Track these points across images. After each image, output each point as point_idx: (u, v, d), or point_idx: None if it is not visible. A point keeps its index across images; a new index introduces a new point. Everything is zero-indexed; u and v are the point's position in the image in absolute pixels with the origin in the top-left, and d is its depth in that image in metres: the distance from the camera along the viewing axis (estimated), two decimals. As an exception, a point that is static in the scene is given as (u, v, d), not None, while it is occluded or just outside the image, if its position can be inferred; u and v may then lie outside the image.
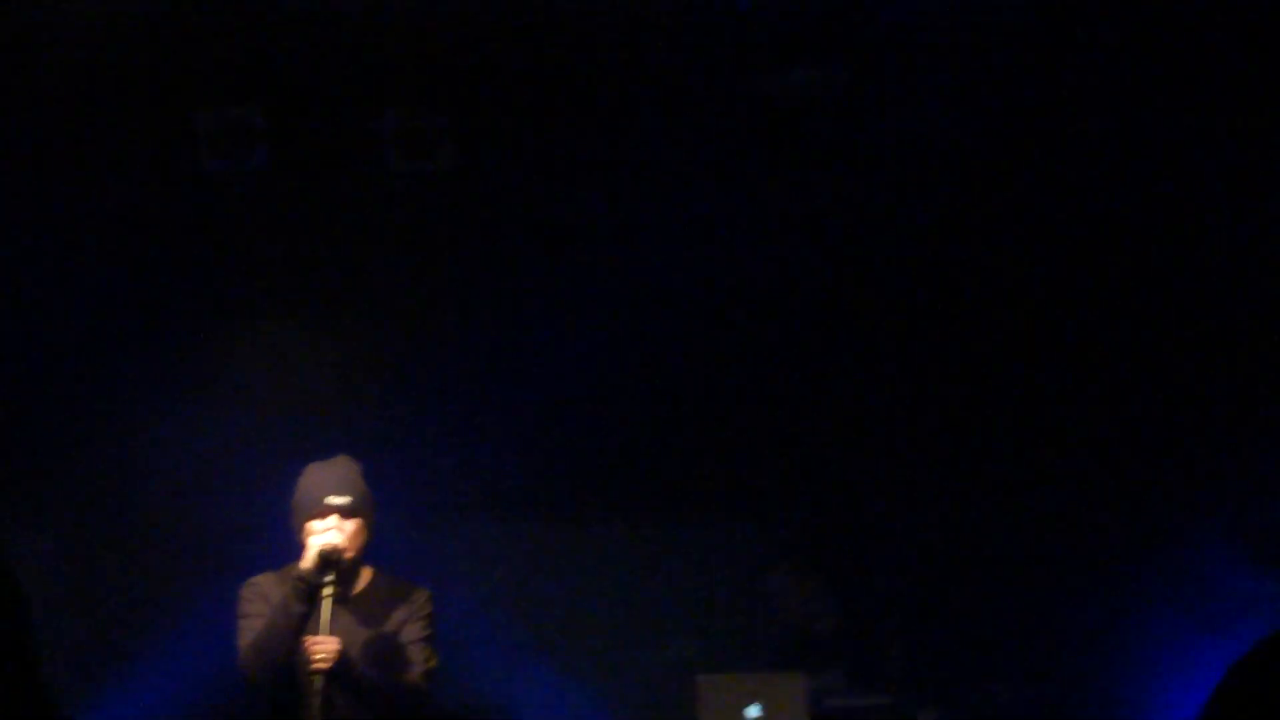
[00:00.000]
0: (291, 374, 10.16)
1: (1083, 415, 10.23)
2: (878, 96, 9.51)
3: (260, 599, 7.27)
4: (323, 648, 7.07)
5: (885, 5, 9.12)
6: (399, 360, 10.26)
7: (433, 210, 10.07)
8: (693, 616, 10.66)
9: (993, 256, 10.26)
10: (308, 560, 7.13)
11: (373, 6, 9.07)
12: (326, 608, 7.10)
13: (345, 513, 7.24)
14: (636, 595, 10.68)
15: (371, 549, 7.40)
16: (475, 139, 9.72)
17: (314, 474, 7.36)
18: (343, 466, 7.38)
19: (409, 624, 7.36)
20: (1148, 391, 10.10)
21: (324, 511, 7.21)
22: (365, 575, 7.41)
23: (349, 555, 7.22)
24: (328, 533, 7.19)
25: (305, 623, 7.11)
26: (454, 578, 9.97)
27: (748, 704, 8.70)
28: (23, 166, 9.48)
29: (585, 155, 9.84)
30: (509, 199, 10.04)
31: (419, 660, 7.33)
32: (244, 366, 10.14)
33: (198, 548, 10.08)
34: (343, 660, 7.10)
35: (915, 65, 9.34)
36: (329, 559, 7.13)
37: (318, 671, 7.06)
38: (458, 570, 10.21)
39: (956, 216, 10.09)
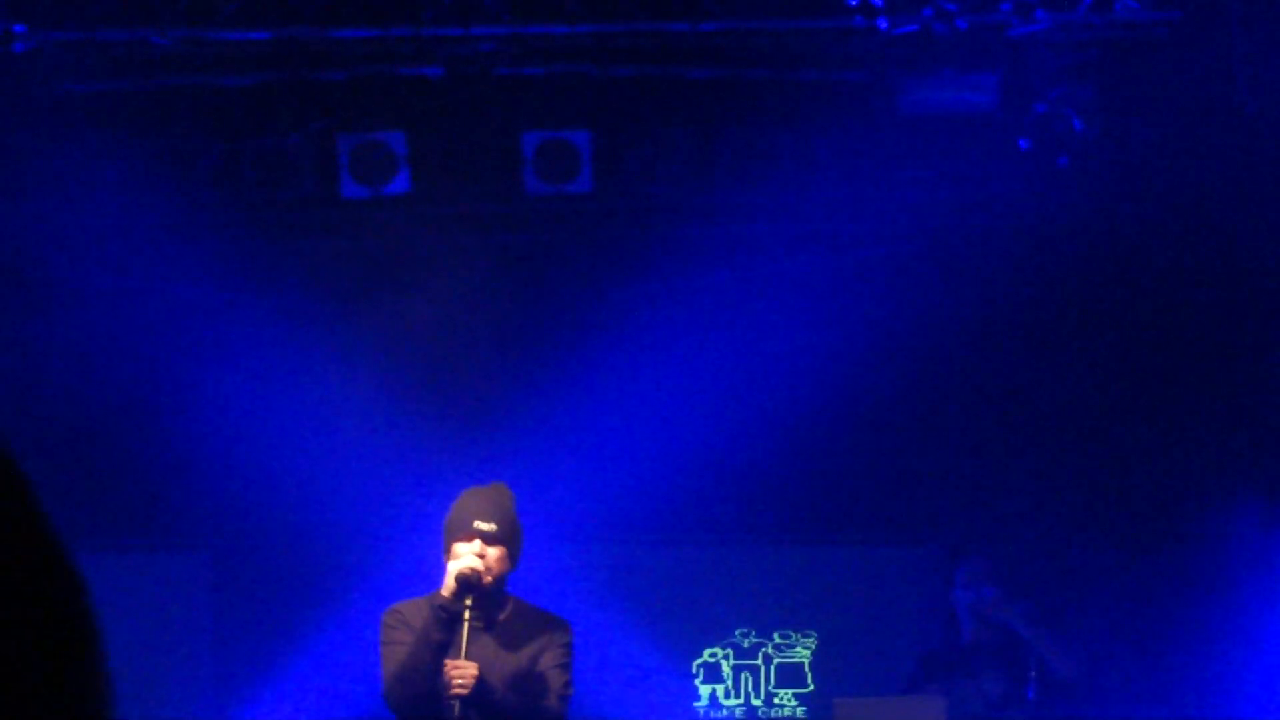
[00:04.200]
0: (431, 398, 10.19)
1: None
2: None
3: (403, 626, 7.27)
4: (461, 673, 7.06)
5: None
6: (539, 385, 10.26)
7: (570, 232, 10.09)
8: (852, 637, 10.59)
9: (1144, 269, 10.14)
10: (447, 586, 7.12)
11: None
12: (465, 633, 7.09)
13: (490, 539, 7.22)
14: (781, 619, 10.63)
15: (517, 579, 7.39)
16: (616, 159, 9.73)
17: (466, 498, 7.36)
18: (495, 493, 7.37)
19: (548, 651, 7.33)
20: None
21: (470, 535, 7.20)
22: (509, 605, 7.39)
23: (488, 580, 7.20)
24: (466, 557, 7.17)
25: (445, 650, 7.10)
26: (601, 605, 10.01)
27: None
28: (164, 190, 9.58)
29: (730, 172, 9.80)
30: (649, 220, 10.04)
31: (556, 687, 7.29)
32: (385, 390, 10.17)
33: (335, 568, 10.16)
34: (481, 686, 7.08)
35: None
36: (467, 583, 7.12)
37: (456, 697, 7.05)
38: (607, 597, 10.25)
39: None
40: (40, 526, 1.12)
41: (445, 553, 7.28)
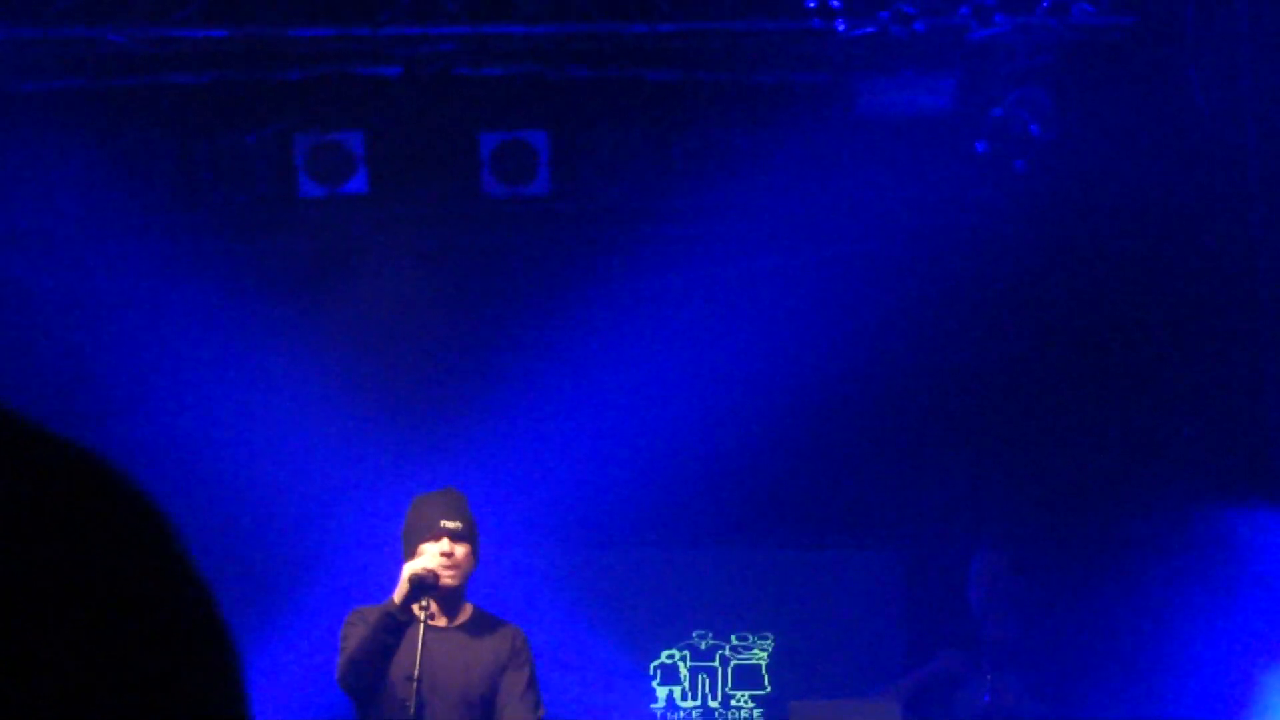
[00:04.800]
0: (388, 399, 10.18)
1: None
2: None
3: (362, 624, 7.29)
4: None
5: None
6: (496, 386, 10.25)
7: (528, 233, 10.08)
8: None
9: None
10: (400, 590, 7.14)
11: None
12: (421, 634, 7.10)
13: (457, 536, 7.30)
14: (738, 621, 10.64)
15: (476, 579, 7.44)
16: (573, 160, 9.74)
17: (425, 502, 7.43)
18: (453, 495, 7.44)
19: (511, 673, 7.37)
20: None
21: (438, 534, 7.25)
22: (468, 609, 7.44)
23: (453, 583, 7.26)
24: (424, 557, 7.21)
25: (393, 653, 7.13)
26: (558, 606, 10.00)
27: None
28: (120, 190, 9.55)
29: (688, 174, 9.81)
30: (607, 221, 10.04)
31: (529, 713, 7.36)
32: (341, 391, 10.15)
33: (292, 569, 10.13)
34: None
35: None
36: (422, 584, 7.14)
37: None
38: (564, 598, 10.24)
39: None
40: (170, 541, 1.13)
41: (407, 558, 7.30)
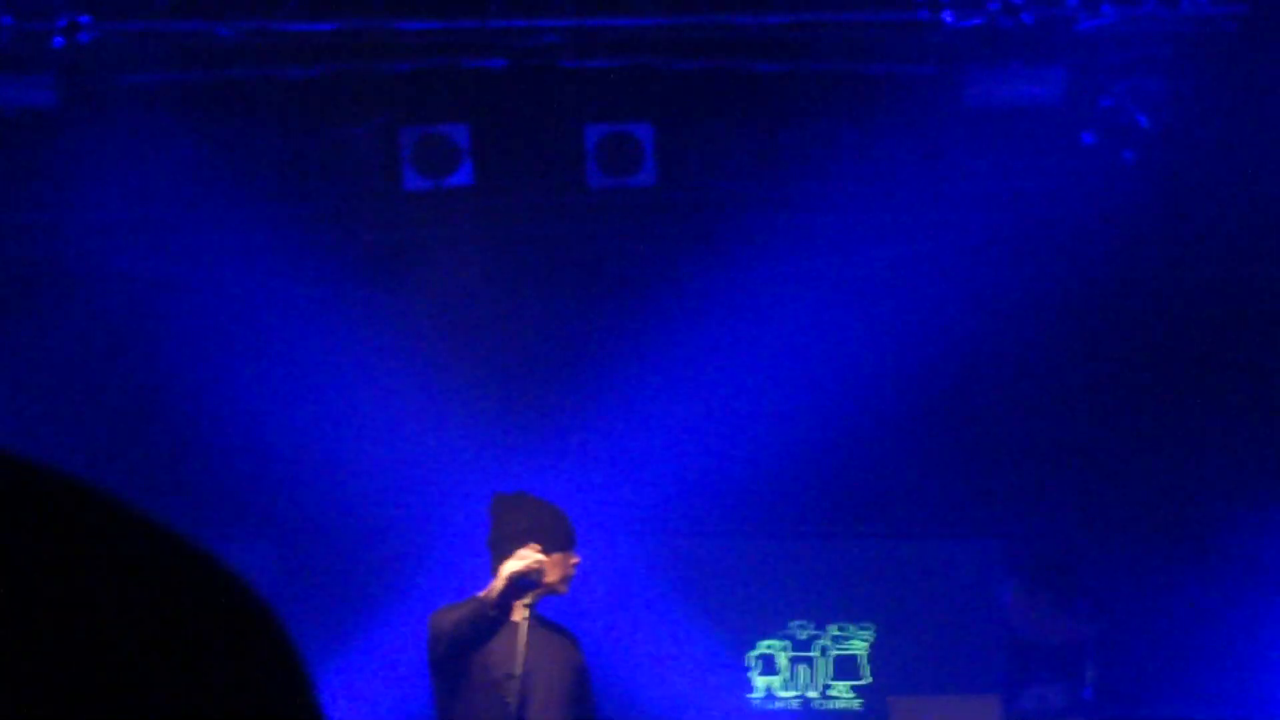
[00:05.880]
0: (493, 393, 10.19)
1: None
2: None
3: (456, 611, 7.30)
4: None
5: None
6: (599, 379, 10.25)
7: (633, 225, 10.07)
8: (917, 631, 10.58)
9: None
10: (495, 586, 7.14)
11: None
12: (520, 632, 7.12)
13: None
14: (837, 612, 10.63)
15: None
16: (679, 153, 9.72)
17: (555, 511, 7.40)
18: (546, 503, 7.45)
19: (587, 677, 7.42)
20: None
21: (573, 544, 7.31)
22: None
23: (553, 581, 7.26)
24: (521, 555, 7.20)
25: (480, 644, 7.14)
26: (658, 597, 10.03)
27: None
28: (227, 182, 9.59)
29: (794, 166, 9.78)
30: (712, 213, 10.01)
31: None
32: (447, 386, 10.17)
33: (387, 567, 10.18)
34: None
35: None
36: (525, 582, 7.14)
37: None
38: (664, 589, 10.28)
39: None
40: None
41: (499, 562, 7.27)
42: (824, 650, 10.61)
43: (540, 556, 7.21)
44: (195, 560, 1.10)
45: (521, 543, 7.29)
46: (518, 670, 7.16)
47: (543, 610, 7.39)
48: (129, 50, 9.11)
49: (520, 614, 7.19)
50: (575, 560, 7.32)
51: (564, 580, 7.29)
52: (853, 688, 10.59)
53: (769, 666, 10.61)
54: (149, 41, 9.08)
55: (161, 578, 1.08)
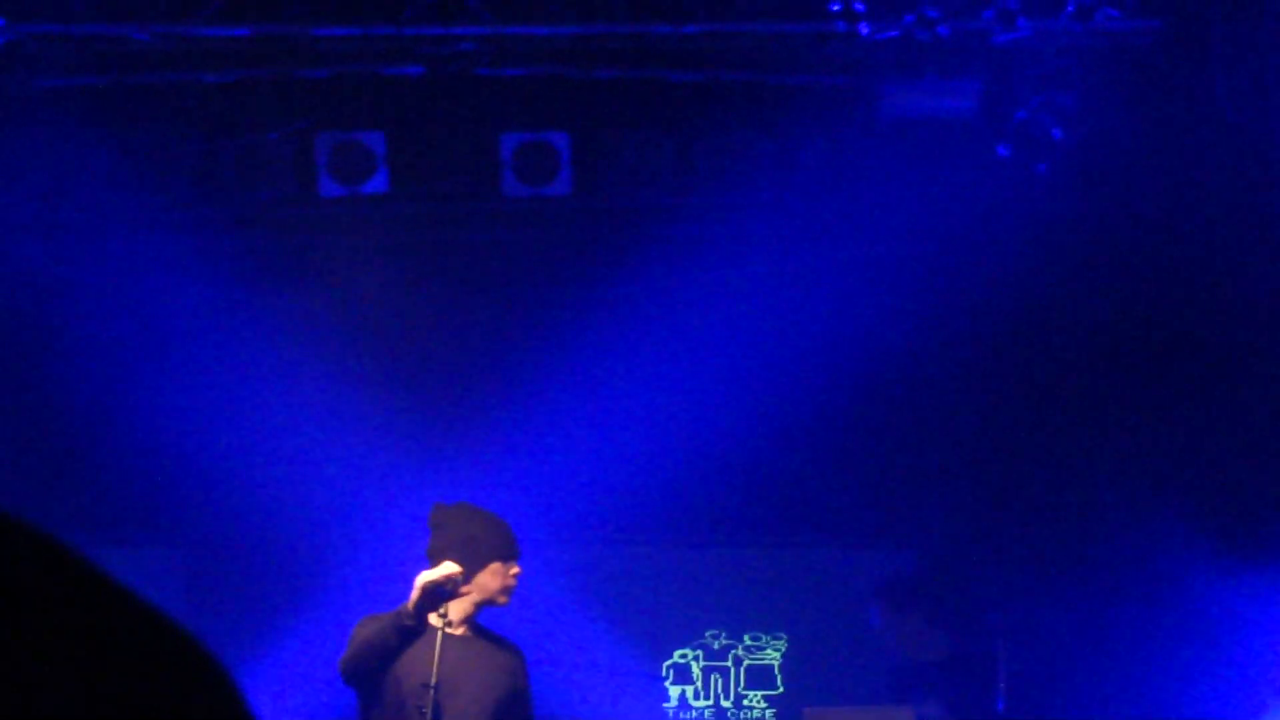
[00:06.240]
0: (408, 399, 10.18)
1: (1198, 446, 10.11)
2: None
3: (374, 624, 7.28)
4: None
5: None
6: (514, 386, 10.25)
7: (548, 234, 10.07)
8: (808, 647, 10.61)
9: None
10: (414, 597, 7.12)
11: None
12: (436, 641, 7.10)
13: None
14: (751, 621, 10.65)
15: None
16: (595, 162, 9.72)
17: (495, 522, 7.41)
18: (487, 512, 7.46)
19: (524, 692, 7.40)
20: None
21: (516, 556, 7.35)
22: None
23: (492, 591, 7.26)
24: (442, 569, 7.17)
25: (396, 655, 7.13)
26: (571, 606, 10.02)
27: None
28: (142, 187, 9.54)
29: (710, 176, 9.79)
30: (627, 223, 10.02)
31: None
32: (361, 391, 10.15)
33: (310, 570, 10.14)
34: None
35: None
36: (440, 593, 7.12)
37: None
38: (578, 597, 10.27)
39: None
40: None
41: (470, 567, 7.24)
42: (738, 660, 10.64)
43: (455, 568, 7.18)
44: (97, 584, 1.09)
45: (458, 552, 7.27)
46: (433, 680, 7.15)
47: (486, 622, 7.42)
48: (43, 53, 9.05)
49: (438, 623, 7.17)
50: (516, 570, 7.31)
51: (504, 590, 7.29)
52: (766, 697, 10.62)
53: (683, 675, 10.63)
54: (64, 45, 9.02)
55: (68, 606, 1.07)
